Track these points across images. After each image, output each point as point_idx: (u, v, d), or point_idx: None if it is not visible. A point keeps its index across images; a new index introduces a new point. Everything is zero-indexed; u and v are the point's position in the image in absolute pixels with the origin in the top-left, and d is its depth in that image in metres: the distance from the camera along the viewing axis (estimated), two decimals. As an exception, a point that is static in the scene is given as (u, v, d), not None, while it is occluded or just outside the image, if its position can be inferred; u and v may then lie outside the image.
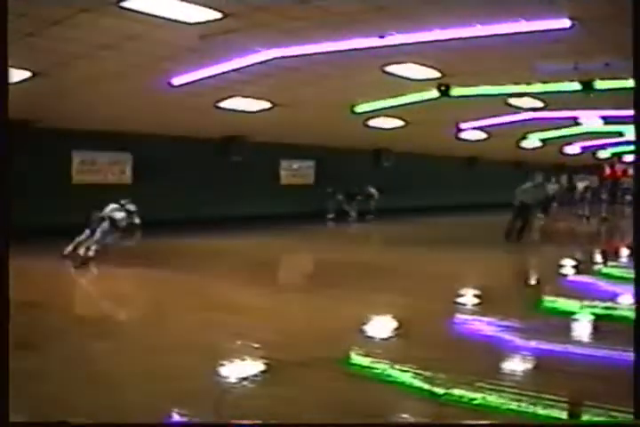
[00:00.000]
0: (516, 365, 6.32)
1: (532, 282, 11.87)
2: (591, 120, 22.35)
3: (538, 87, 15.20)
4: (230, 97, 15.94)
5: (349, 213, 24.43)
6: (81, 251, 11.97)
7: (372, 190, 24.79)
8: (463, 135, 24.64)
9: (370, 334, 7.63)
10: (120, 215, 12.11)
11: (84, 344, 6.69)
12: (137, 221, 12.53)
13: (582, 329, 8.15)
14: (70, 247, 12.20)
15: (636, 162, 3.99)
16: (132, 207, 12.53)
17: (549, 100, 17.78)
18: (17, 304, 8.23)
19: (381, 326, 8.10)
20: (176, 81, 13.60)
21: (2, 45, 3.68)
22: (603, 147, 33.01)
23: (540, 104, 18.58)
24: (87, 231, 12.15)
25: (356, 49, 11.51)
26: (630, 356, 3.85)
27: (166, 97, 14.72)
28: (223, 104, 16.44)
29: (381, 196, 24.79)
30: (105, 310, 8.97)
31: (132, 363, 6.09)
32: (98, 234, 11.95)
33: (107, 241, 12.16)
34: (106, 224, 12.00)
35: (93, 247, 11.97)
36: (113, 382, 5.50)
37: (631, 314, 6.36)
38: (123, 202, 12.46)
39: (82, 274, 11.51)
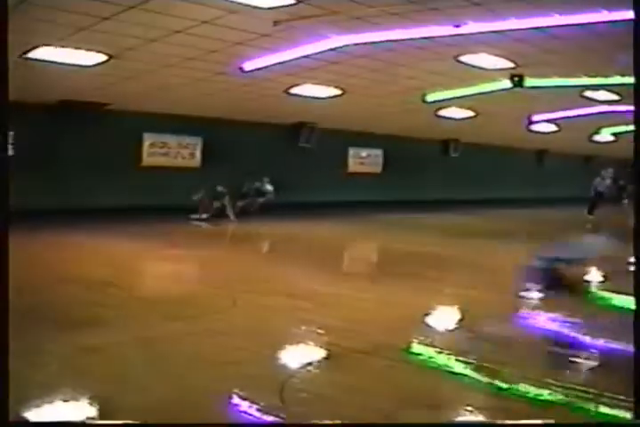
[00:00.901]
0: (582, 362, 6.19)
1: (601, 278, 11.58)
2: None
3: (615, 80, 14.81)
4: (301, 83, 15.96)
5: (228, 211, 18.53)
6: None
7: (269, 187, 20.34)
8: (534, 127, 24.22)
9: (433, 324, 7.58)
10: None
11: (156, 324, 6.83)
12: None
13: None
14: None
15: (636, 161, 3.86)
16: None
17: (626, 93, 17.30)
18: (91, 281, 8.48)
19: (445, 317, 8.04)
20: (247, 66, 13.67)
21: (2, 44, 3.65)
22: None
23: (615, 97, 18.10)
24: None
25: (429, 37, 11.40)
26: None
27: (237, 82, 14.84)
28: (294, 90, 16.48)
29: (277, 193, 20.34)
30: (175, 290, 9.11)
31: (199, 345, 6.17)
32: None
33: None
34: None
35: None
36: (178, 364, 5.59)
37: None
38: None
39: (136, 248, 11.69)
